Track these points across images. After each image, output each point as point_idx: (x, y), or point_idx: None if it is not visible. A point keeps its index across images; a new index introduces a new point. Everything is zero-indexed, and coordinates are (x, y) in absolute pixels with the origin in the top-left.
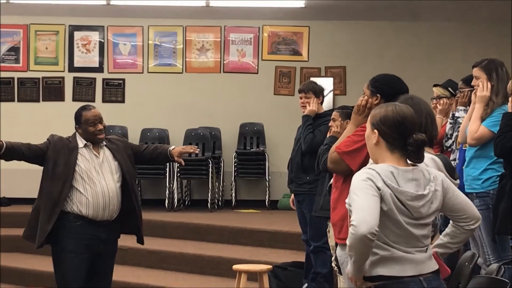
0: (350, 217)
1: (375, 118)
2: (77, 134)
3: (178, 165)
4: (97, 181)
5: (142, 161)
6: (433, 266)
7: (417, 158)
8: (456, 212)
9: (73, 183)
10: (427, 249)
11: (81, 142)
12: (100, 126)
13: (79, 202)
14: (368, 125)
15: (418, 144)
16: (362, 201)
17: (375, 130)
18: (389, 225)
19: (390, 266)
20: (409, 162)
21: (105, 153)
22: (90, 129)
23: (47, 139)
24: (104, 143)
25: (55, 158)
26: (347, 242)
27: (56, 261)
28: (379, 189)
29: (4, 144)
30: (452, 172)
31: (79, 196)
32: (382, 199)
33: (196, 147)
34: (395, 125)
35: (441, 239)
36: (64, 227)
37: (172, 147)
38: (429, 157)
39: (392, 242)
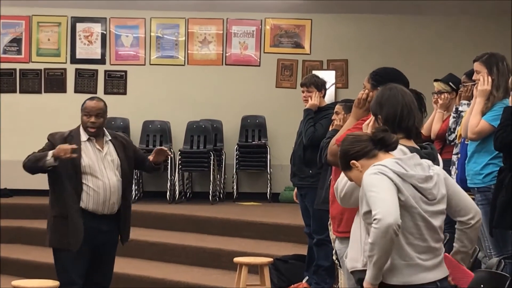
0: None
1: (346, 158)
2: (81, 127)
3: (180, 157)
4: (100, 176)
5: (142, 170)
6: (446, 271)
7: (390, 145)
8: (455, 206)
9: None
10: (441, 252)
11: (84, 135)
12: (93, 119)
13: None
14: (348, 172)
15: (379, 140)
16: (380, 195)
17: (352, 163)
18: (408, 219)
19: (409, 273)
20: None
21: (109, 148)
22: (83, 118)
23: (48, 140)
24: (110, 137)
25: (60, 159)
26: (370, 239)
27: (57, 253)
28: (391, 180)
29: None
30: None
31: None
32: (398, 190)
33: (169, 152)
34: (351, 152)
35: (454, 246)
36: None
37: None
38: (398, 148)
39: (409, 234)
